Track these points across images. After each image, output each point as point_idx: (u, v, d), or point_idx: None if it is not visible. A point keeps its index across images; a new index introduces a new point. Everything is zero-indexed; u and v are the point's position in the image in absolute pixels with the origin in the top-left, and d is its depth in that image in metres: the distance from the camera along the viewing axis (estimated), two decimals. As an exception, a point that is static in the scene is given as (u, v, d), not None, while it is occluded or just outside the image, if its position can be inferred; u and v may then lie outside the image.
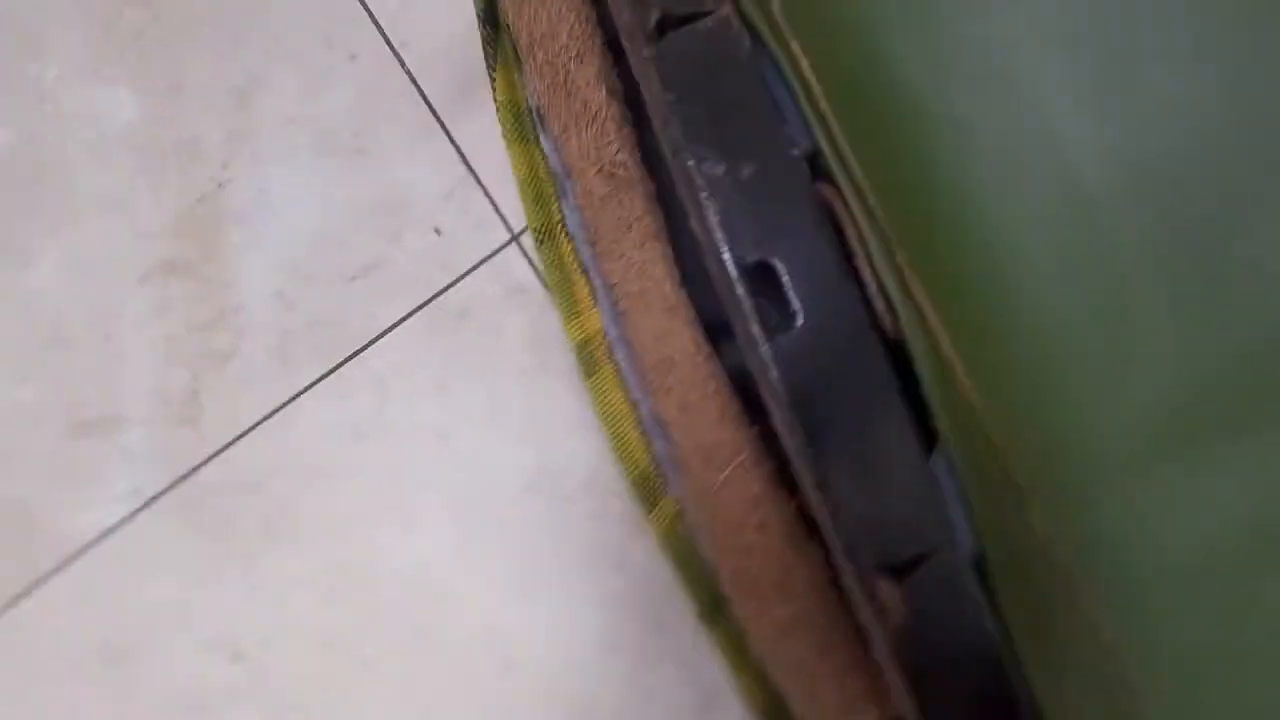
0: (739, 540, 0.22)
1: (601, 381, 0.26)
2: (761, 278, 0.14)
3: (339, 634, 0.40)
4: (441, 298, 0.41)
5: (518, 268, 0.40)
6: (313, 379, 0.42)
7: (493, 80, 0.28)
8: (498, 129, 0.39)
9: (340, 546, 0.41)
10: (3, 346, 0.45)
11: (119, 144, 0.44)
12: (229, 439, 0.42)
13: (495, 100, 0.27)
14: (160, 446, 0.43)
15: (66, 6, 0.46)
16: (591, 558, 0.37)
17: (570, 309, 0.26)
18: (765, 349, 0.14)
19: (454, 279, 0.41)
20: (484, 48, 0.28)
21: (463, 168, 0.41)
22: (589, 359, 0.25)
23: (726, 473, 0.24)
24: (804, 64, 0.17)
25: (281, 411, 0.42)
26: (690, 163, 0.15)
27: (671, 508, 0.26)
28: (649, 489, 0.26)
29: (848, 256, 0.17)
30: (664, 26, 0.17)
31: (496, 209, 0.41)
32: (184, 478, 0.43)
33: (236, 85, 0.44)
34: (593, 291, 0.25)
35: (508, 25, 0.27)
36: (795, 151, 0.16)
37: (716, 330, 0.23)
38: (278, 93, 0.43)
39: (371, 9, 0.43)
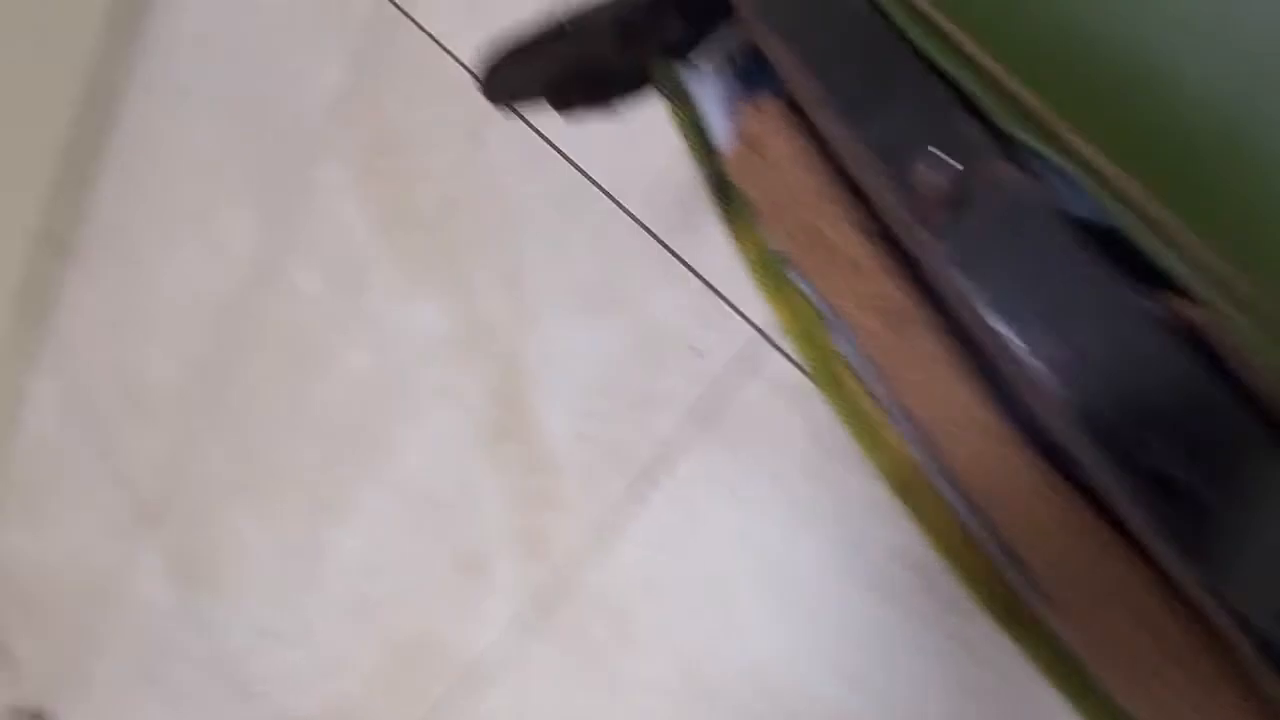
0: (1146, 668, 0.20)
1: (919, 503, 0.25)
2: (1121, 436, 0.14)
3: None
4: (716, 409, 0.44)
5: (777, 365, 0.42)
6: (624, 504, 0.47)
7: (733, 236, 0.30)
8: (722, 243, 0.42)
9: (678, 649, 0.45)
10: (391, 512, 0.58)
11: (438, 344, 0.56)
12: (571, 565, 0.50)
13: (745, 260, 0.29)
14: (522, 577, 0.52)
15: (381, 243, 0.59)
16: (934, 645, 0.37)
17: (869, 439, 0.26)
18: (1149, 520, 0.14)
19: (722, 390, 0.44)
20: (718, 210, 0.30)
21: (702, 285, 0.45)
22: (902, 484, 0.26)
23: (1112, 604, 0.21)
24: (1087, 150, 0.17)
25: (606, 536, 0.48)
26: (1020, 348, 0.15)
27: (1040, 631, 0.24)
28: (1000, 607, 0.25)
29: (1225, 372, 0.15)
30: (952, 211, 0.17)
31: (742, 316, 0.43)
32: (545, 602, 0.51)
33: (506, 272, 0.52)
34: (889, 418, 0.26)
35: (740, 191, 0.29)
36: (1139, 299, 0.15)
37: (1038, 436, 0.22)
38: (537, 268, 0.51)
39: (588, 171, 0.49)
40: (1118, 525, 0.20)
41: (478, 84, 0.28)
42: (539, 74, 0.29)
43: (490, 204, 0.53)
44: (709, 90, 0.31)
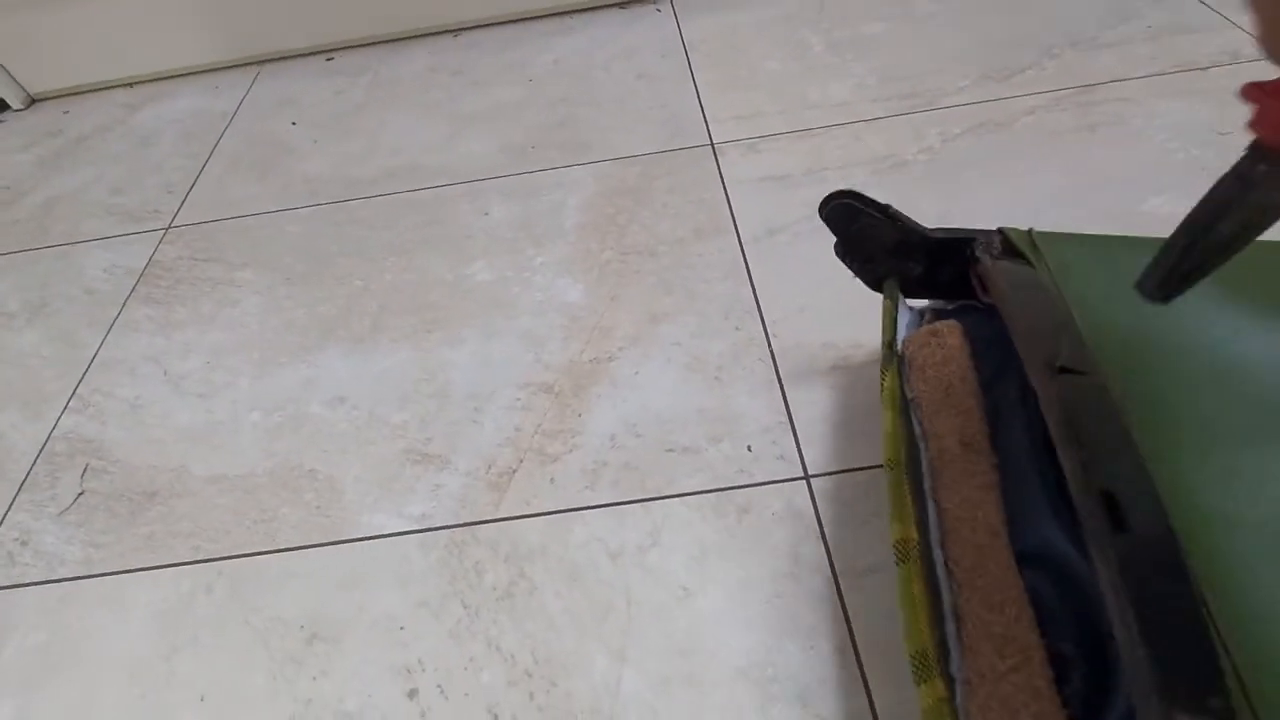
0: None
1: (907, 572, 0.33)
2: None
3: (507, 714, 0.41)
4: (732, 492, 0.50)
5: (801, 499, 0.49)
6: (603, 501, 0.50)
7: (883, 379, 0.42)
8: (817, 406, 0.52)
9: (552, 643, 0.44)
10: (404, 383, 0.60)
11: (558, 309, 0.64)
12: (516, 514, 0.50)
13: (882, 388, 0.41)
14: (463, 495, 0.52)
15: (578, 241, 0.70)
16: None
17: (898, 513, 0.35)
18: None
19: (748, 483, 0.50)
20: (883, 357, 0.43)
21: (785, 418, 0.54)
22: (903, 553, 0.33)
23: (1013, 662, 0.28)
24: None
25: (567, 514, 0.50)
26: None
27: (941, 689, 0.30)
28: (925, 666, 0.30)
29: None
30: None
31: (800, 453, 0.51)
32: (465, 525, 0.50)
33: (651, 313, 0.62)
34: (917, 509, 0.35)
35: (902, 353, 0.42)
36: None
37: (1023, 560, 0.31)
38: (678, 327, 0.61)
39: (763, 310, 0.62)
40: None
41: (827, 199, 0.44)
42: (849, 221, 0.45)
43: (684, 281, 0.65)
44: (903, 311, 0.46)
